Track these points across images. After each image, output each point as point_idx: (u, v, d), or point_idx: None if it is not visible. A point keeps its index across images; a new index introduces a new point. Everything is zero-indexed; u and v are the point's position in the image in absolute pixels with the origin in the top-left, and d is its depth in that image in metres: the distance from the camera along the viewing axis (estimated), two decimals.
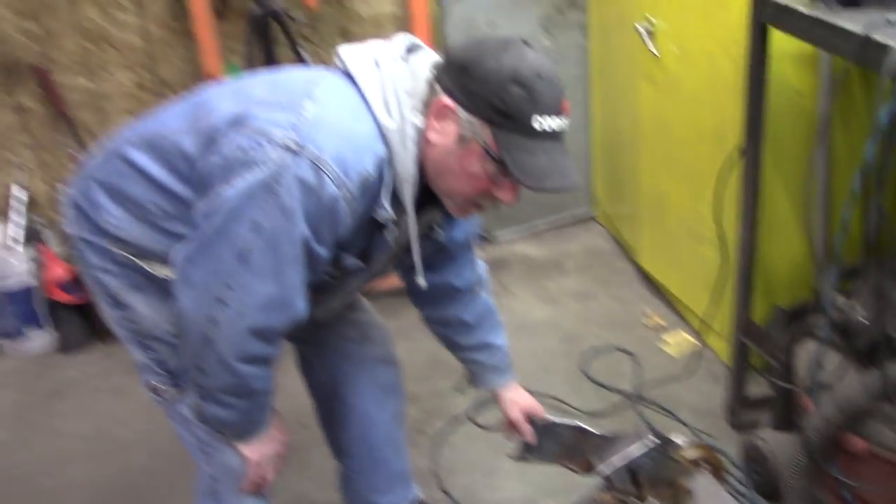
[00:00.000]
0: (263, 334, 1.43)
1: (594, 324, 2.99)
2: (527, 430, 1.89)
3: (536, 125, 1.37)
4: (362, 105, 1.41)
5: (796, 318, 2.15)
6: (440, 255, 1.74)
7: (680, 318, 2.96)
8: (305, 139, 1.33)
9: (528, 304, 3.13)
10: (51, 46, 2.96)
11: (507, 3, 3.20)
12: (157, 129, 1.50)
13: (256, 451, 1.62)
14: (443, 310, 1.86)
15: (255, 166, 1.33)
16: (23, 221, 3.04)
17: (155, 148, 1.48)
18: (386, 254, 1.56)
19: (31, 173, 3.11)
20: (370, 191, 1.41)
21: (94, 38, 2.98)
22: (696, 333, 2.80)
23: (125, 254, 1.54)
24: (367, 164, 1.38)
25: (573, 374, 2.76)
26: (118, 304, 1.59)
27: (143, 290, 1.56)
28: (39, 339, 3.10)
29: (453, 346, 1.95)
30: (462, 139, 1.40)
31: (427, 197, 1.50)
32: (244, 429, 1.58)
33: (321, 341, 1.91)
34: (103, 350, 3.07)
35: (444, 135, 1.41)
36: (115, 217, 1.52)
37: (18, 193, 3.04)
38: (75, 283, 3.03)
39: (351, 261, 1.55)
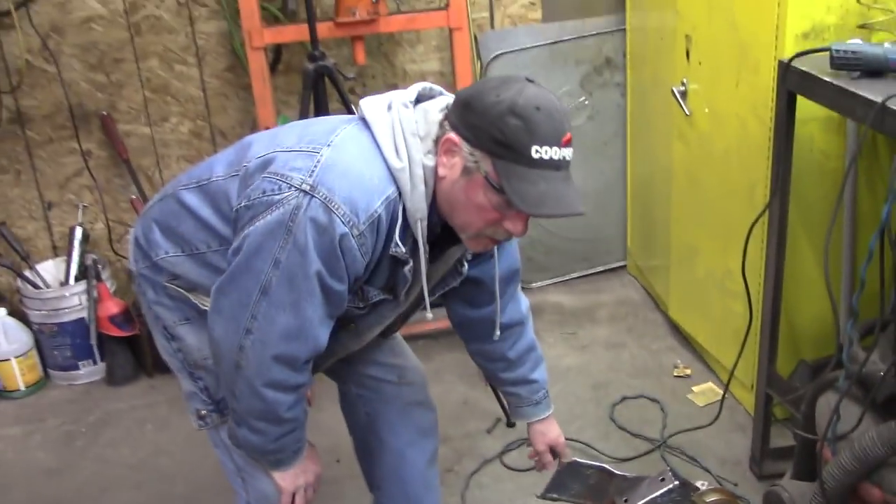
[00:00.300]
0: (286, 362, 1.54)
1: (623, 372, 3.07)
2: (548, 461, 1.98)
3: (535, 155, 1.42)
4: (374, 149, 1.51)
5: (819, 371, 2.21)
6: (482, 291, 1.83)
7: (707, 368, 3.03)
8: (318, 182, 1.45)
9: (560, 352, 3.22)
10: (117, 96, 3.15)
11: (547, 62, 3.34)
12: (207, 173, 1.65)
13: (290, 480, 1.71)
14: (487, 345, 1.94)
15: (275, 207, 1.46)
16: (79, 259, 3.21)
17: (204, 190, 1.63)
18: (407, 287, 1.64)
19: (91, 214, 3.29)
20: (382, 229, 1.50)
21: (157, 89, 3.17)
22: (723, 384, 2.86)
23: (177, 287, 1.69)
24: (375, 204, 1.47)
25: (602, 420, 2.83)
26: (171, 336, 1.74)
27: (192, 322, 1.70)
28: (89, 371, 3.25)
29: (495, 380, 2.04)
30: (466, 171, 1.47)
31: (450, 234, 1.59)
32: (276, 456, 1.67)
33: (362, 382, 2.00)
34: (149, 383, 3.21)
35: (451, 169, 1.49)
36: (168, 253, 1.67)
37: (78, 232, 3.21)
38: (126, 318, 3.18)
39: (376, 294, 1.64)
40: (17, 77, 3.05)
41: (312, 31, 2.55)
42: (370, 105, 1.56)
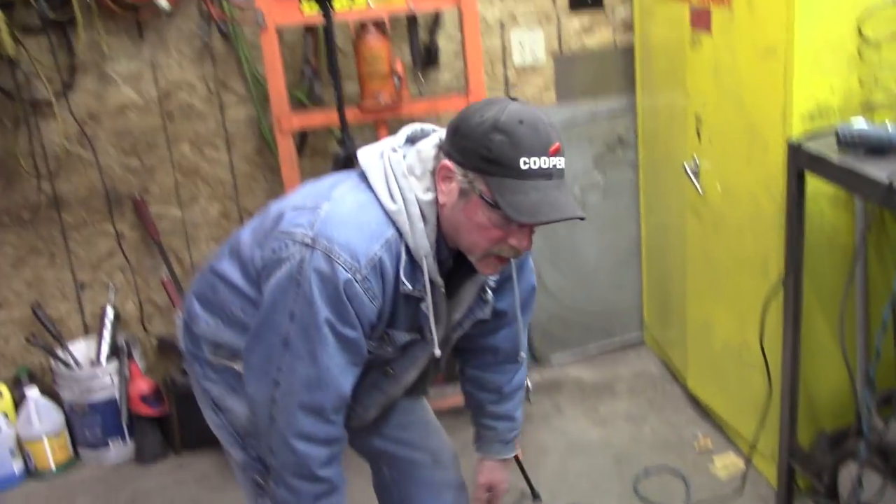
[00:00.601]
0: (313, 411, 1.60)
1: (645, 445, 3.10)
2: (480, 497, 2.04)
3: (524, 166, 1.47)
4: (370, 196, 1.59)
5: (839, 442, 2.25)
6: (499, 317, 1.88)
7: (728, 440, 3.06)
8: (319, 234, 1.54)
9: (581, 426, 3.25)
10: (149, 180, 3.28)
11: (562, 142, 3.45)
12: (236, 241, 1.77)
13: None
14: (488, 373, 1.98)
15: (284, 263, 1.56)
16: (110, 338, 3.29)
17: (234, 257, 1.74)
18: (432, 324, 1.67)
19: (122, 294, 3.38)
20: (387, 270, 1.57)
21: (188, 173, 3.30)
22: (744, 455, 2.89)
23: (220, 357, 1.77)
24: (374, 248, 1.54)
25: (626, 494, 2.85)
26: (220, 409, 1.81)
27: (237, 391, 1.77)
28: (119, 450, 3.29)
29: (479, 411, 2.04)
30: (463, 193, 1.54)
31: (465, 266, 1.65)
32: None
33: (395, 464, 2.05)
34: (177, 461, 3.26)
35: (449, 194, 1.56)
36: (208, 323, 1.77)
37: (109, 312, 3.30)
38: (156, 397, 3.25)
39: (403, 336, 1.69)
40: (55, 163, 3.18)
41: (342, 117, 2.67)
42: (365, 155, 1.65)
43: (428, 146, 1.62)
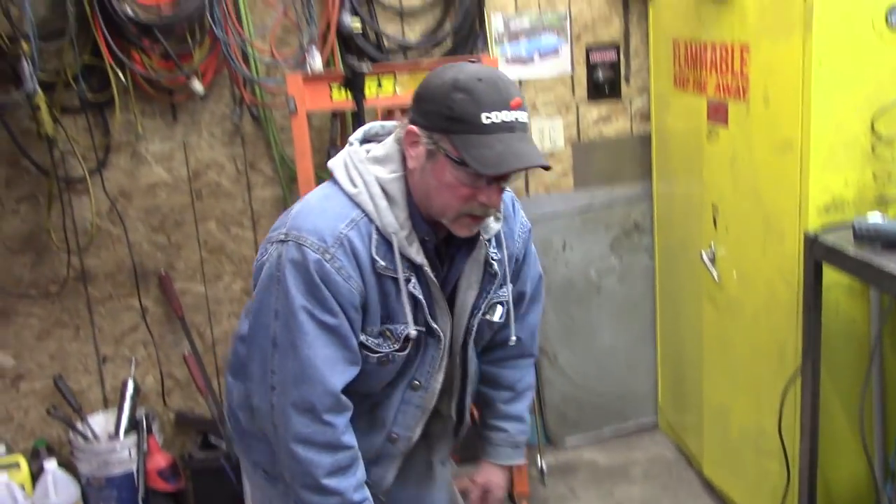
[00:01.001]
0: (304, 409, 1.60)
1: None
2: (475, 497, 2.01)
3: (486, 121, 1.52)
4: (335, 187, 1.67)
5: None
6: (517, 307, 1.91)
7: None
8: (290, 228, 1.61)
9: None
10: (175, 256, 3.35)
11: (579, 227, 3.54)
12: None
13: None
14: (504, 369, 2.01)
15: (265, 265, 1.64)
16: (129, 412, 3.32)
17: (245, 312, 1.80)
18: (432, 311, 1.69)
19: (143, 367, 3.42)
20: (358, 250, 1.60)
21: (213, 250, 3.37)
22: None
23: (255, 423, 1.79)
24: (339, 227, 1.59)
25: None
26: (273, 476, 1.83)
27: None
28: None
29: (491, 412, 2.02)
30: (430, 155, 1.58)
31: (458, 245, 1.71)
32: None
33: None
34: None
35: (417, 158, 1.60)
36: (240, 390, 1.82)
37: (130, 386, 3.33)
38: (173, 472, 3.25)
39: (402, 329, 1.67)
40: (85, 238, 3.26)
41: None
42: (333, 160, 1.73)
43: (390, 132, 1.72)
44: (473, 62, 1.60)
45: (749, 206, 2.72)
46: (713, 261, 2.98)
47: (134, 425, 3.29)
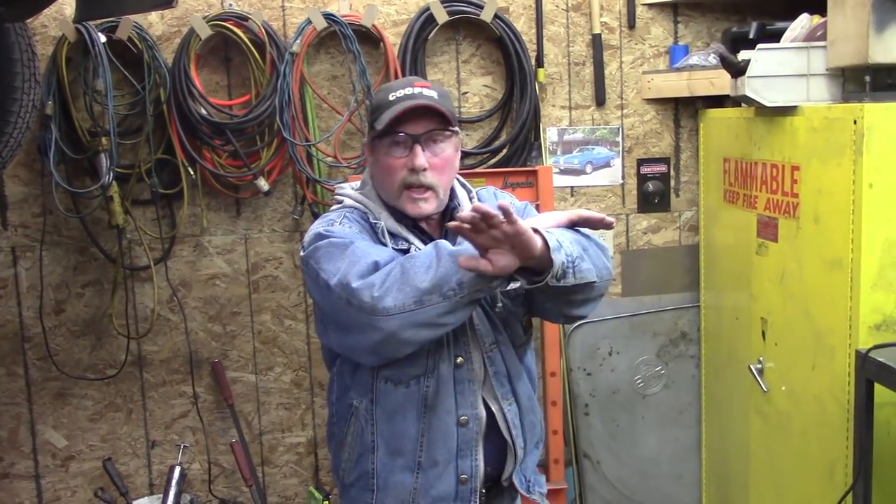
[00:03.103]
0: (359, 275, 1.76)
1: None
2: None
3: (392, 98, 1.87)
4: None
5: None
6: None
7: None
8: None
9: None
10: (229, 345, 3.44)
11: (626, 333, 3.57)
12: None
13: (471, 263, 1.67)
14: None
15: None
16: (175, 498, 3.35)
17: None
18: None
19: (190, 454, 3.47)
20: (360, 220, 1.93)
21: (266, 341, 3.46)
22: None
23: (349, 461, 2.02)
24: (334, 218, 1.93)
25: None
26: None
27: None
28: None
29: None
30: (370, 150, 1.94)
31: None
32: (445, 284, 1.69)
33: None
34: None
35: (369, 163, 1.97)
36: (332, 451, 2.09)
37: (177, 472, 3.37)
38: None
39: None
40: (144, 325, 3.37)
41: None
42: None
43: None
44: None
45: (799, 321, 2.74)
46: (761, 373, 2.99)
47: None
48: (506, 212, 1.59)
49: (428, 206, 1.91)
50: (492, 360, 1.96)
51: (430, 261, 1.71)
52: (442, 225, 1.99)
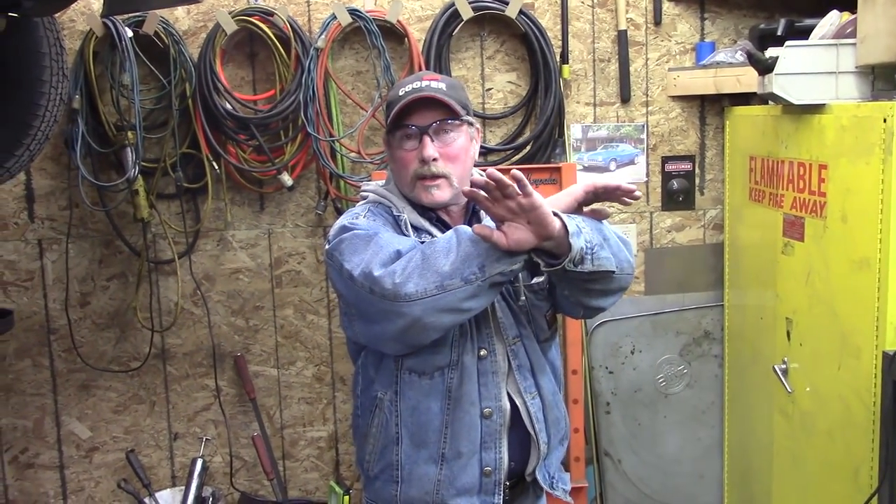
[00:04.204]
0: (382, 264, 1.78)
1: None
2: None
3: (402, 92, 1.92)
4: None
5: None
6: None
7: None
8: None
9: None
10: (252, 340, 3.46)
11: (649, 331, 3.55)
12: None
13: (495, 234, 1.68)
14: None
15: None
16: (196, 490, 3.38)
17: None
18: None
19: (212, 447, 3.49)
20: (383, 213, 1.96)
21: (288, 336, 3.47)
22: None
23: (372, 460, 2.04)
24: (359, 211, 1.98)
25: None
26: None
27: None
28: None
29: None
30: (387, 144, 1.99)
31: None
32: (467, 268, 1.70)
33: None
34: None
35: (387, 156, 2.01)
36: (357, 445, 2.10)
37: (199, 464, 3.40)
38: None
39: None
40: (168, 318, 3.39)
41: None
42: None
43: None
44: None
45: (825, 321, 2.71)
46: (786, 374, 2.96)
47: None
48: (520, 182, 1.61)
49: (441, 193, 1.92)
50: (515, 353, 1.96)
51: (449, 245, 1.72)
52: (464, 217, 2.00)
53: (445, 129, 1.92)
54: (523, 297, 1.94)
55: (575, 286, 1.83)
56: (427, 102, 1.90)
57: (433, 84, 1.92)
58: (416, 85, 1.92)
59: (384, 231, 1.87)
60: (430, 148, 1.90)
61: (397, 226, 1.95)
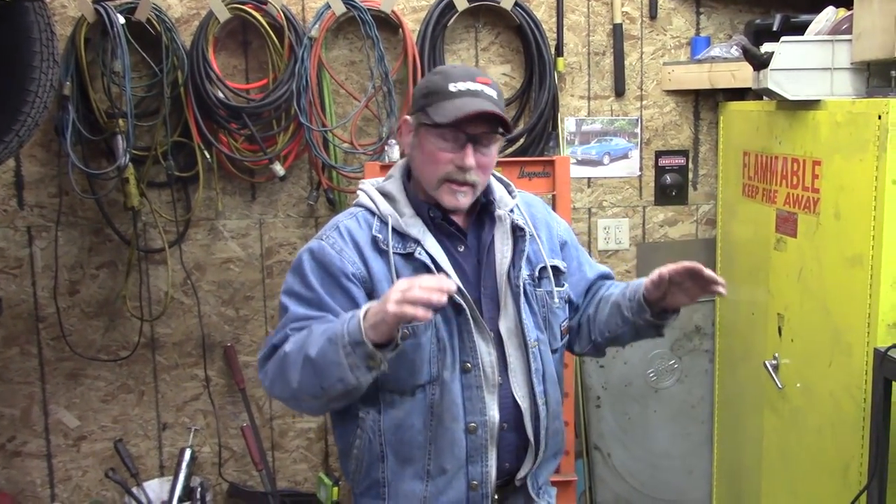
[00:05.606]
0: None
1: None
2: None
3: (453, 88, 1.81)
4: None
5: None
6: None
7: None
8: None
9: None
10: (242, 330, 3.44)
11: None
12: None
13: (379, 313, 1.65)
14: (601, 292, 2.14)
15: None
16: (185, 480, 3.36)
17: None
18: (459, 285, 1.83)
19: (200, 437, 3.48)
20: (356, 232, 1.87)
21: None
22: None
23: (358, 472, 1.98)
24: (340, 219, 1.91)
25: None
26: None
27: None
28: None
29: (620, 319, 2.02)
30: (415, 133, 1.88)
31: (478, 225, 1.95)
32: (347, 359, 1.68)
33: None
34: None
35: (408, 143, 1.91)
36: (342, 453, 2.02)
37: (187, 454, 3.38)
38: None
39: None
40: (158, 307, 3.37)
41: None
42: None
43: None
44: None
45: (816, 317, 2.71)
46: (776, 369, 2.96)
47: (188, 494, 3.33)
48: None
49: (466, 199, 1.88)
50: (535, 356, 1.95)
51: (303, 358, 1.73)
52: (470, 216, 1.96)
53: (489, 142, 1.86)
54: (551, 301, 2.00)
55: (654, 330, 2.04)
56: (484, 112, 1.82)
57: (486, 90, 1.83)
58: (472, 87, 1.82)
59: (300, 300, 1.85)
60: (472, 158, 1.83)
61: (373, 244, 1.87)
